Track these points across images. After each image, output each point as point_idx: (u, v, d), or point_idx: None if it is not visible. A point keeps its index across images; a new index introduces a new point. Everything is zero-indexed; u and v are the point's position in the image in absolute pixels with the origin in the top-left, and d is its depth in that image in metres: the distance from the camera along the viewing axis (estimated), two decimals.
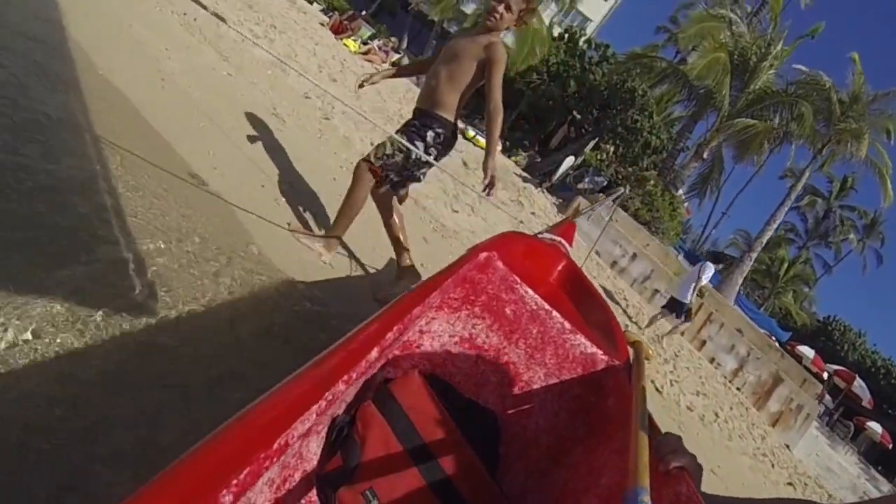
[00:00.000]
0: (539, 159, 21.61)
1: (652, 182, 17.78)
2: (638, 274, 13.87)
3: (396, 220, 3.40)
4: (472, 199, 8.16)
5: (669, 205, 17.42)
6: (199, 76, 5.11)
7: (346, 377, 1.12)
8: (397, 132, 3.27)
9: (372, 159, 3.23)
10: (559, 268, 2.62)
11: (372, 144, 6.69)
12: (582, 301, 2.36)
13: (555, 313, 1.81)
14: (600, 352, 1.79)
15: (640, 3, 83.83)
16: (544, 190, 16.06)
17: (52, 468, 1.39)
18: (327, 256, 3.37)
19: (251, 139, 4.49)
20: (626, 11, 50.81)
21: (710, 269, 9.82)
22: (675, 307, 9.97)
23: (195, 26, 6.55)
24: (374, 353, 1.27)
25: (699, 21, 17.58)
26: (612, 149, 22.07)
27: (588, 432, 1.72)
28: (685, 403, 7.65)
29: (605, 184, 18.96)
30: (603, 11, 33.92)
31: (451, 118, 3.26)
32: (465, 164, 11.81)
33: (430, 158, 3.19)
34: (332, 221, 3.50)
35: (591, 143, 20.57)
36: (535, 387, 1.82)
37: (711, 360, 13.00)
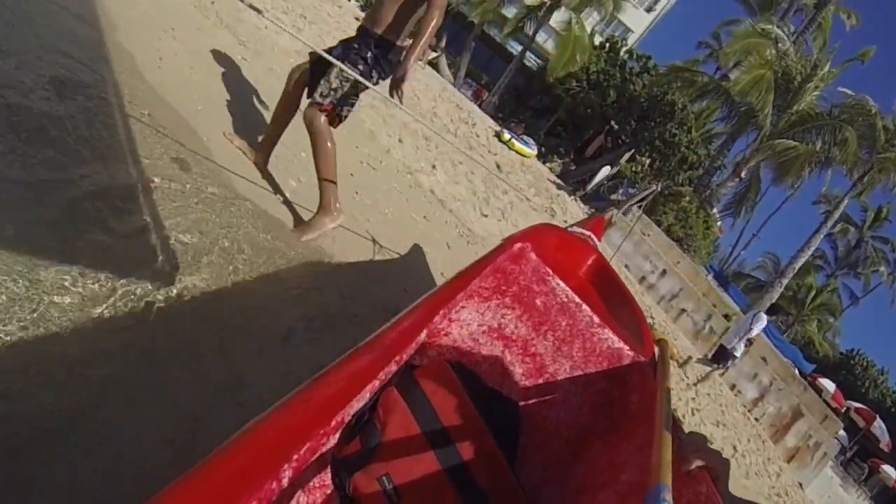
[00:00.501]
0: (574, 167, 21.35)
1: (687, 198, 17.44)
2: (666, 291, 13.55)
3: (330, 147, 3.06)
4: (504, 204, 8.00)
5: (703, 223, 17.11)
6: (205, 59, 4.65)
7: (375, 367, 1.16)
8: (336, 54, 2.94)
9: (318, 99, 2.95)
10: (589, 262, 2.65)
11: (401, 142, 6.60)
12: (611, 296, 2.39)
13: (584, 306, 1.83)
14: (627, 347, 1.80)
15: (683, 17, 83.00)
16: (577, 198, 15.84)
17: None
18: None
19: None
20: (668, 24, 50.42)
21: (762, 321, 9.26)
22: (722, 356, 9.48)
23: (211, 9, 5.99)
24: (405, 341, 1.32)
25: (745, 37, 17.18)
26: (647, 161, 21.75)
27: (610, 427, 1.73)
28: (706, 434, 7.42)
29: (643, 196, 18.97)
30: (645, 23, 33.53)
31: (391, 37, 2.98)
32: (498, 166, 11.72)
33: (371, 84, 2.89)
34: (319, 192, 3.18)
35: (628, 155, 20.23)
36: (559, 379, 1.83)
37: (732, 387, 12.64)
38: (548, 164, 19.80)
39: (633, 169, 20.70)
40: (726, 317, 13.52)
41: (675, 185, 20.74)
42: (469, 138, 11.87)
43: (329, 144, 3.02)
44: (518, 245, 1.85)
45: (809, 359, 24.10)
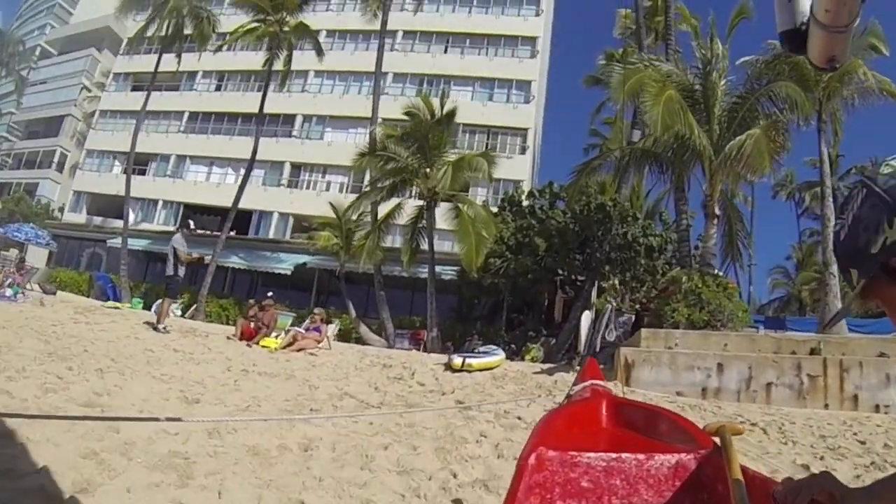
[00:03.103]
0: (553, 340, 18.19)
1: (684, 279, 13.81)
2: (737, 382, 10.74)
3: None
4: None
5: (717, 286, 13.39)
6: None
7: None
8: None
9: None
10: (603, 410, 2.59)
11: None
12: (642, 423, 2.31)
13: (624, 455, 1.82)
14: (684, 456, 1.79)
15: (554, 142, 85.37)
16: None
17: None
18: None
19: None
20: (549, 153, 50.07)
21: None
22: None
23: None
24: None
25: (626, 80, 14.45)
26: (616, 280, 19.07)
27: None
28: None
29: (634, 318, 17.08)
30: (528, 166, 32.08)
31: None
32: (460, 402, 8.01)
33: None
34: None
35: (594, 290, 17.32)
36: None
37: None
38: (528, 357, 16.63)
39: (607, 298, 18.11)
40: (813, 351, 11.30)
41: (659, 278, 17.79)
42: (407, 394, 8.06)
43: None
44: (532, 456, 1.79)
45: None
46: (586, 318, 12.92)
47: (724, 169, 13.82)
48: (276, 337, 11.93)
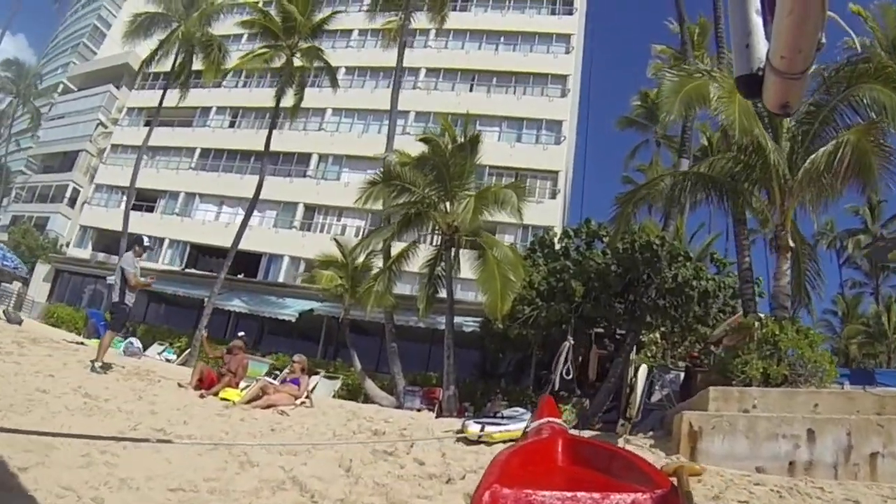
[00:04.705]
0: (586, 400, 15.79)
1: (756, 325, 11.20)
2: (834, 453, 8.11)
3: None
4: None
5: (797, 333, 10.77)
6: None
7: None
8: None
9: None
10: (559, 448, 2.61)
11: None
12: (599, 462, 2.34)
13: (580, 494, 1.82)
14: (643, 495, 1.80)
15: (585, 189, 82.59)
16: (626, 434, 9.92)
17: None
18: None
19: None
20: (580, 201, 47.64)
21: None
22: None
23: None
24: None
25: (682, 87, 11.98)
26: (657, 334, 16.96)
27: None
28: None
29: (685, 374, 14.53)
30: (558, 211, 29.75)
31: None
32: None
33: None
34: None
35: (633, 347, 15.28)
36: None
37: None
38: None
39: (647, 354, 16.59)
40: None
41: (709, 329, 15.28)
42: (392, 482, 5.35)
43: None
44: (487, 493, 1.83)
45: None
46: (643, 374, 10.39)
47: (805, 189, 11.23)
48: (245, 388, 9.43)
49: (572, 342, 13.38)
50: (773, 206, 12.19)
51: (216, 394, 9.12)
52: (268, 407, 8.58)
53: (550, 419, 2.95)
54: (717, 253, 21.70)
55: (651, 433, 10.96)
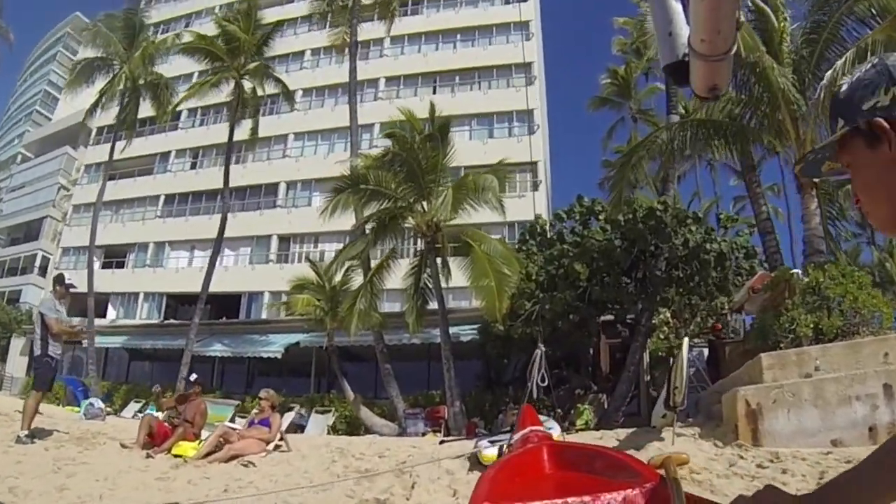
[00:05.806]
0: (604, 396, 14.96)
1: (794, 275, 9.80)
2: None
3: None
4: None
5: (843, 278, 9.28)
6: None
7: None
8: None
9: None
10: (545, 456, 2.56)
11: None
12: (586, 464, 2.31)
13: (570, 500, 1.77)
14: (633, 491, 1.74)
15: (563, 178, 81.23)
16: (663, 426, 8.46)
17: None
18: None
19: None
20: (560, 191, 46.07)
21: None
22: None
23: None
24: None
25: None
26: (667, 313, 16.01)
27: None
28: None
29: (709, 348, 14.64)
30: (543, 203, 28.28)
31: None
32: None
33: None
34: None
35: (648, 329, 14.50)
36: None
37: None
38: (578, 425, 12.98)
39: (660, 336, 15.98)
40: None
41: (728, 297, 14.37)
42: None
43: None
44: None
45: None
46: (685, 348, 8.79)
47: (823, 111, 9.71)
48: (204, 440, 7.73)
49: (543, 349, 12.67)
50: (789, 141, 10.74)
51: (169, 450, 7.43)
52: (231, 459, 6.92)
53: (533, 427, 2.89)
54: (724, 211, 20.31)
55: (690, 420, 9.42)
